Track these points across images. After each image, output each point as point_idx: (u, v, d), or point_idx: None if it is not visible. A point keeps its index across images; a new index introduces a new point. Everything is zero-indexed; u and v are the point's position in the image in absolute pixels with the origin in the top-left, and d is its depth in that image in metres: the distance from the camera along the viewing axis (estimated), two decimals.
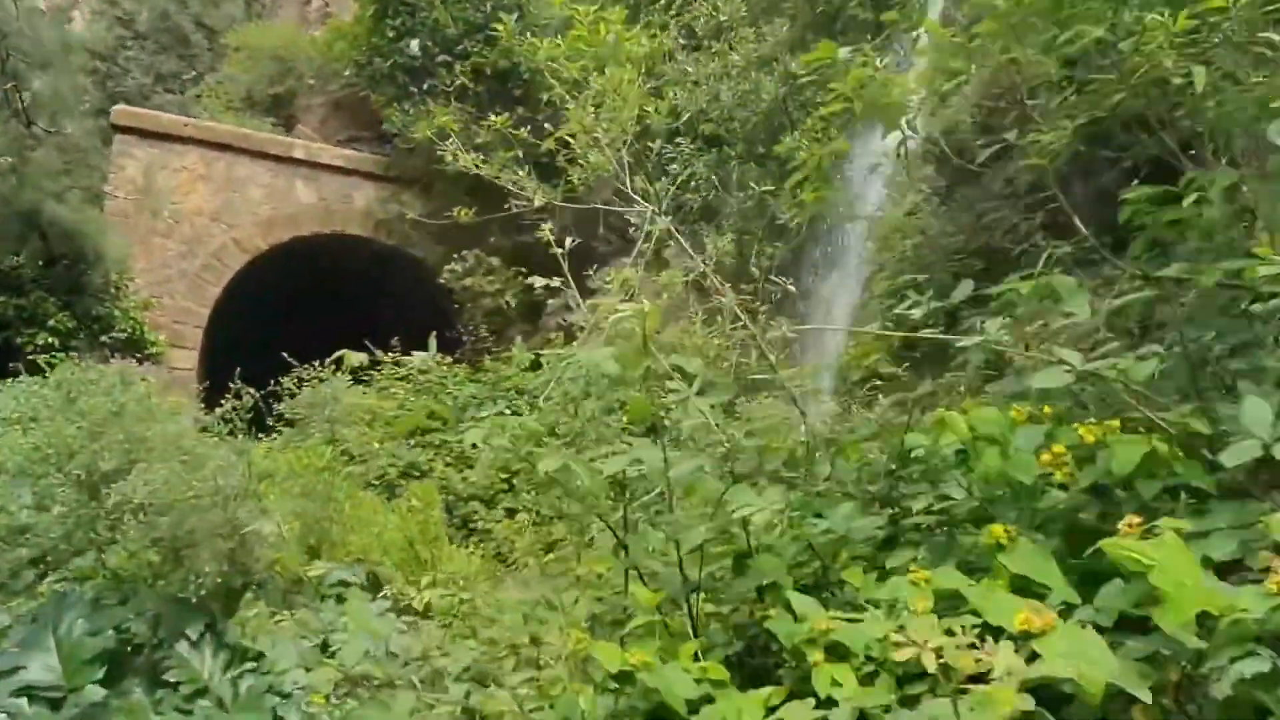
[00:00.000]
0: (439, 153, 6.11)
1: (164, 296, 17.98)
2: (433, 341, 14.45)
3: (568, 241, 3.94)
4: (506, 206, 16.59)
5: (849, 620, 2.19)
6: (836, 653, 2.16)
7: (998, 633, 1.95)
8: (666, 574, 3.12)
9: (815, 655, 2.15)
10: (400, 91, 19.90)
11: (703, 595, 3.02)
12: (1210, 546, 2.08)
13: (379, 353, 3.87)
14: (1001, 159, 12.07)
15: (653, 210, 5.28)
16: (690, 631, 2.76)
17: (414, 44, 20.08)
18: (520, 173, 5.80)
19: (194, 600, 5.06)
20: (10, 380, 9.94)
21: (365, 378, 11.62)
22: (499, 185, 15.16)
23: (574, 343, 5.34)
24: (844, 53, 3.94)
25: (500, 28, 6.52)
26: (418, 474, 11.93)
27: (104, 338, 14.50)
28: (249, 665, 5.02)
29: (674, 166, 15.51)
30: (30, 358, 11.12)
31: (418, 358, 3.18)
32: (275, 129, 22.41)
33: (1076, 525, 2.31)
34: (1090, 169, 10.72)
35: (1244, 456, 2.15)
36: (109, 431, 5.26)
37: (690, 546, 2.69)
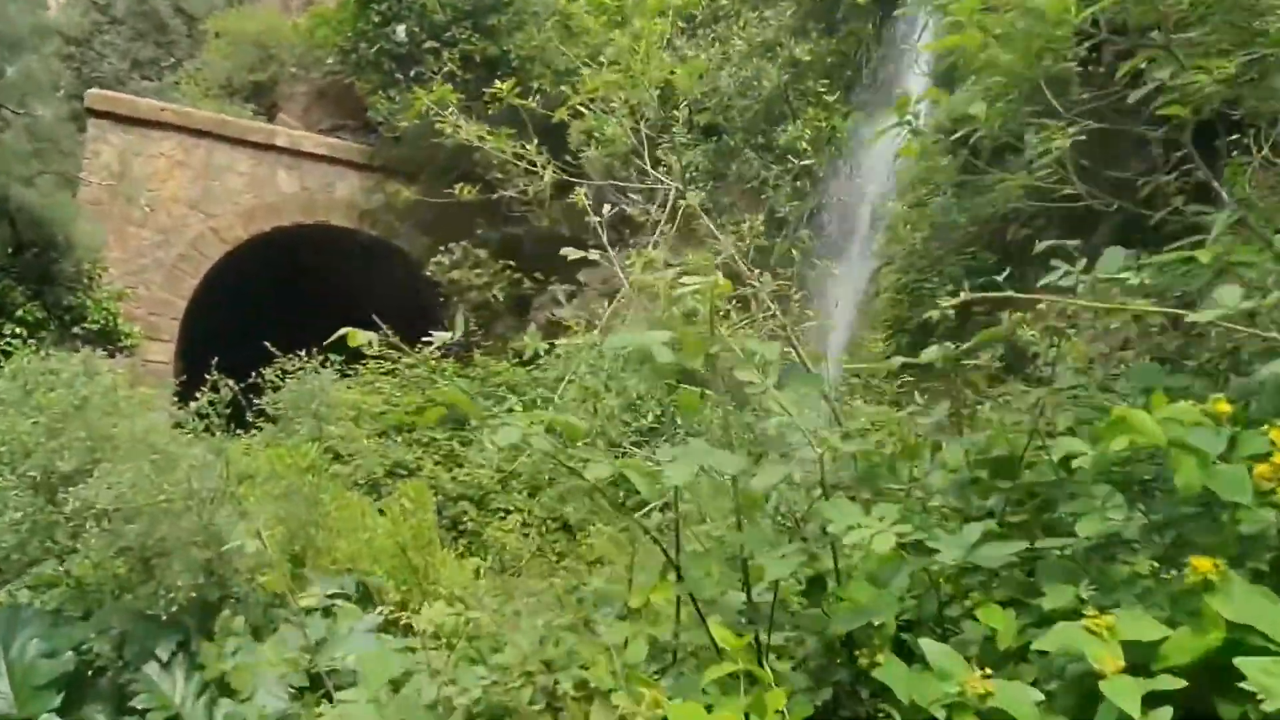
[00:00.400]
0: (437, 126, 5.56)
1: (139, 287, 17.32)
2: (459, 320, 14.02)
3: (606, 209, 3.43)
4: (495, 196, 15.88)
5: (1006, 679, 1.70)
6: None
7: None
8: (725, 603, 2.61)
9: None
10: (386, 79, 19.32)
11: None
12: None
13: (389, 332, 3.41)
14: (1019, 148, 11.67)
15: (677, 186, 4.77)
16: (766, 676, 2.26)
17: (400, 30, 19.51)
18: (529, 147, 5.27)
19: (164, 616, 4.51)
20: None
21: (349, 371, 11.08)
22: (487, 176, 14.62)
23: (580, 332, 4.83)
24: None
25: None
26: (405, 472, 11.40)
27: (75, 329, 13.88)
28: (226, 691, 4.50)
29: (670, 157, 14.96)
30: None
31: (438, 339, 2.75)
32: (256, 117, 21.77)
33: None
34: (1113, 157, 10.31)
35: None
36: (70, 428, 4.71)
37: (778, 574, 2.18)
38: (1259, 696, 1.47)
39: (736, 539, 2.38)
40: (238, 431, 8.36)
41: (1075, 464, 1.89)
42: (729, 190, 15.42)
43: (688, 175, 15.45)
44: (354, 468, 7.81)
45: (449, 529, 11.07)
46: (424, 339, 2.80)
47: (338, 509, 6.74)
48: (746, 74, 14.03)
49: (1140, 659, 1.64)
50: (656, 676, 2.66)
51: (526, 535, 11.28)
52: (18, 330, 13.03)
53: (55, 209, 14.27)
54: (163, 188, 18.23)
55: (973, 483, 2.35)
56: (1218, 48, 3.88)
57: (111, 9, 28.78)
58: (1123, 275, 3.00)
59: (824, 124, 14.45)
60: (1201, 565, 1.64)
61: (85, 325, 14.11)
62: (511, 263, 19.20)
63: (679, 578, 2.63)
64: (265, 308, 19.65)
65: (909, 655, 2.17)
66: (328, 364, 6.84)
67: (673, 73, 4.38)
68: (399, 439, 12.12)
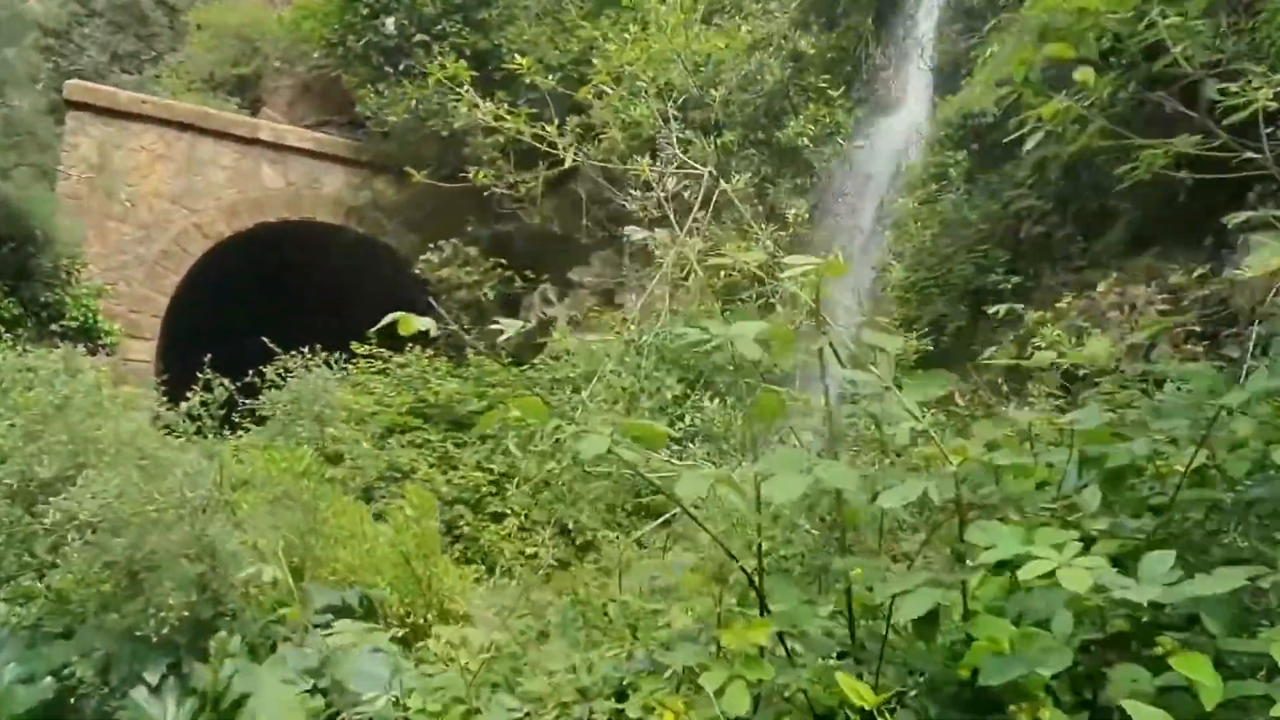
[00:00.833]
0: (452, 104, 5.20)
1: (119, 283, 16.80)
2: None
3: (671, 182, 3.08)
4: (487, 193, 15.51)
5: None
6: None
7: None
8: (816, 639, 2.25)
9: None
10: (374, 72, 18.92)
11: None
12: None
13: (451, 322, 3.06)
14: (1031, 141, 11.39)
15: (710, 170, 4.42)
16: None
17: (389, 22, 19.09)
18: (549, 128, 4.90)
19: (154, 637, 4.12)
20: None
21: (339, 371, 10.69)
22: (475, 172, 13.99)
23: (618, 327, 4.46)
24: None
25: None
26: (399, 475, 11.00)
27: (53, 326, 13.40)
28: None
29: (667, 151, 14.65)
30: None
31: (509, 326, 2.39)
32: (240, 112, 21.27)
33: None
34: (1133, 151, 10.02)
35: None
36: (50, 430, 4.30)
37: (913, 611, 1.82)
38: None
39: (845, 564, 2.02)
40: (225, 434, 7.96)
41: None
42: (729, 185, 15.07)
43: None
44: (352, 472, 7.42)
45: (444, 534, 10.69)
46: (493, 325, 2.43)
47: (336, 516, 6.35)
48: (749, 68, 13.69)
49: None
50: None
51: (525, 539, 10.91)
52: None
53: (32, 202, 13.80)
54: (144, 182, 17.72)
55: (1123, 499, 2.01)
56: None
57: (91, 1, 28.18)
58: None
59: (826, 119, 14.13)
60: None
61: (63, 322, 13.64)
62: (502, 261, 18.82)
63: (764, 608, 2.27)
64: (249, 306, 19.17)
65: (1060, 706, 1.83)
66: (332, 363, 6.43)
67: (720, 44, 4.05)
68: (392, 441, 11.73)
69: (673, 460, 4.40)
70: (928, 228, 11.74)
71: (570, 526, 9.60)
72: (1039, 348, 5.08)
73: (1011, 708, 1.71)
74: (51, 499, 4.17)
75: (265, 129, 19.42)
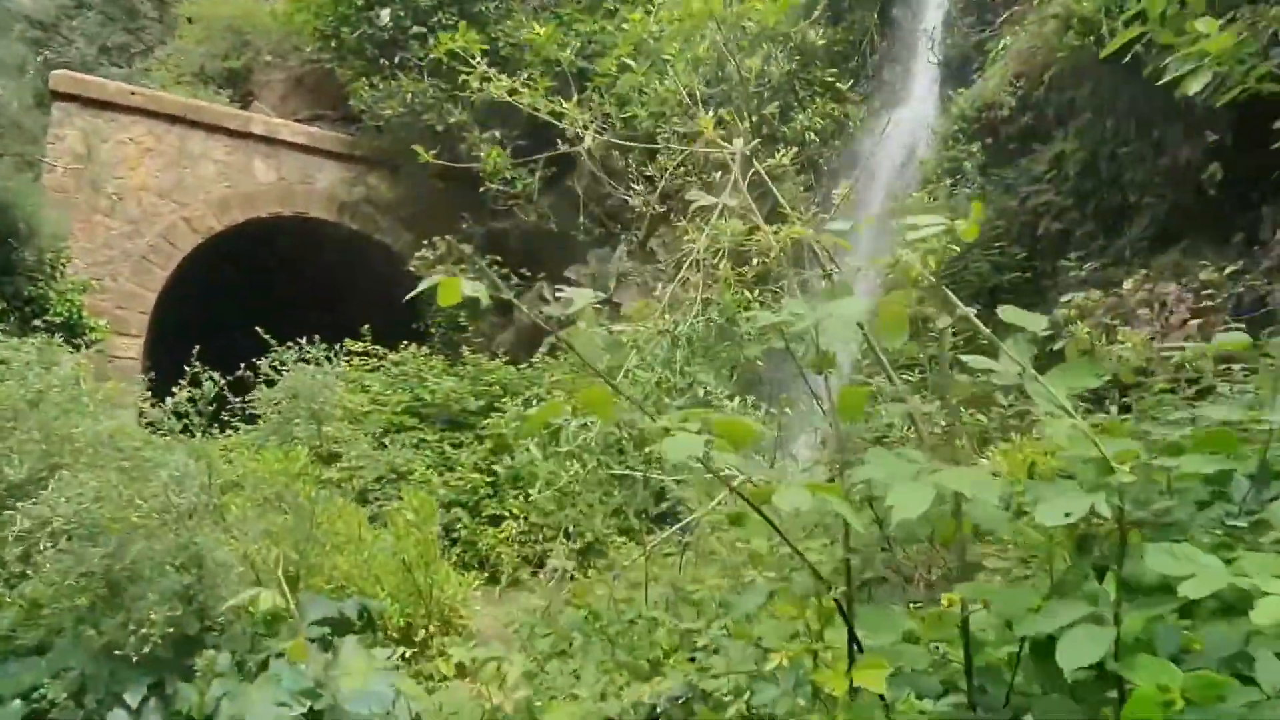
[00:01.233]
0: (463, 76, 4.83)
1: (106, 279, 16.38)
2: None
3: (739, 142, 2.72)
4: (482, 190, 15.03)
5: None
6: None
7: None
8: (919, 679, 1.90)
9: None
10: (369, 65, 18.55)
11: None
12: None
13: (506, 290, 2.72)
14: (1046, 137, 11.08)
15: (744, 150, 4.05)
16: None
17: (384, 14, 18.71)
18: (566, 104, 4.53)
19: (135, 655, 3.73)
20: None
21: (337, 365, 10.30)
22: (470, 169, 13.63)
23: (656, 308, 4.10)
24: None
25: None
26: (394, 476, 10.63)
27: (36, 321, 12.96)
28: None
29: (671, 146, 14.31)
30: None
31: (580, 296, 2.07)
32: (231, 106, 20.86)
33: None
34: (1161, 145, 9.74)
35: None
36: (21, 427, 3.92)
37: (1081, 658, 1.45)
38: None
39: (972, 590, 1.67)
40: (213, 432, 7.58)
41: None
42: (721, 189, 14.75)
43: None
44: (350, 474, 7.04)
45: (442, 537, 10.33)
46: (557, 295, 2.06)
47: (331, 520, 5.97)
48: (755, 60, 13.35)
49: None
50: None
51: (524, 543, 10.55)
52: None
53: (16, 194, 13.36)
54: (132, 175, 17.30)
55: None
56: None
57: None
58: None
59: (835, 113, 13.81)
60: None
61: (47, 318, 13.21)
62: (498, 258, 18.45)
63: (854, 640, 1.91)
64: (240, 302, 18.76)
65: None
66: (331, 357, 6.05)
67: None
68: (387, 440, 11.37)
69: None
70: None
71: (570, 529, 9.23)
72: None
73: None
74: (21, 503, 3.79)
75: (257, 122, 19.01)
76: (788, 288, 4.91)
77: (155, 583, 3.84)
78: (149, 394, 6.55)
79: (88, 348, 13.77)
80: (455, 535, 10.77)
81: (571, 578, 5.71)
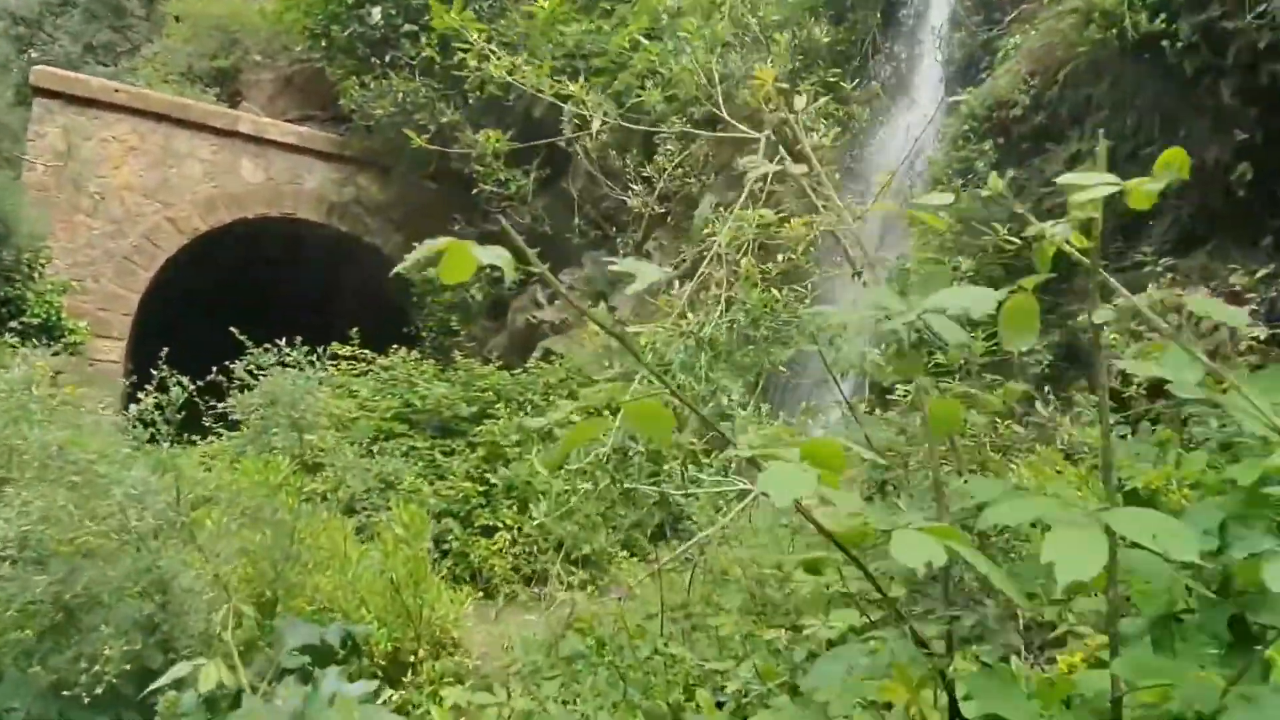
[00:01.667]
0: (460, 59, 4.44)
1: (87, 279, 15.92)
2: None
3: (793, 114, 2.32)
4: (475, 191, 14.60)
5: None
6: None
7: None
8: None
9: None
10: (359, 64, 18.13)
11: None
12: None
13: (536, 262, 2.33)
14: (1060, 137, 10.73)
15: (769, 136, 3.66)
16: None
17: (375, 12, 18.28)
18: (577, 88, 4.15)
19: (86, 695, 3.31)
20: None
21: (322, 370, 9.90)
22: (462, 170, 13.19)
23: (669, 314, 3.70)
24: None
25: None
26: (381, 485, 10.21)
27: (13, 323, 12.51)
28: None
29: (669, 146, 13.97)
30: None
31: (645, 273, 1.74)
32: (218, 105, 20.44)
33: None
34: (1187, 143, 9.40)
35: None
36: None
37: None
38: None
39: (1137, 670, 1.27)
40: (193, 439, 7.15)
41: None
42: (733, 184, 14.39)
43: (685, 167, 14.41)
44: (336, 484, 6.62)
45: (432, 549, 9.92)
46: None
47: (314, 535, 5.55)
48: (758, 57, 13.01)
49: None
50: None
51: (517, 556, 10.14)
52: None
53: None
54: (115, 174, 16.84)
55: None
56: None
57: None
58: None
59: (838, 112, 13.46)
60: None
61: (24, 319, 12.76)
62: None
63: (956, 715, 1.51)
64: (226, 305, 18.30)
65: None
66: (315, 361, 5.64)
67: None
68: (375, 448, 10.94)
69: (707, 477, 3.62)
70: (951, 226, 11.04)
71: (570, 545, 8.81)
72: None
73: None
74: None
75: (245, 121, 18.58)
76: (815, 284, 4.56)
77: (113, 611, 3.43)
78: (130, 399, 6.13)
79: (67, 351, 13.32)
80: (446, 547, 10.35)
81: (574, 600, 5.28)
